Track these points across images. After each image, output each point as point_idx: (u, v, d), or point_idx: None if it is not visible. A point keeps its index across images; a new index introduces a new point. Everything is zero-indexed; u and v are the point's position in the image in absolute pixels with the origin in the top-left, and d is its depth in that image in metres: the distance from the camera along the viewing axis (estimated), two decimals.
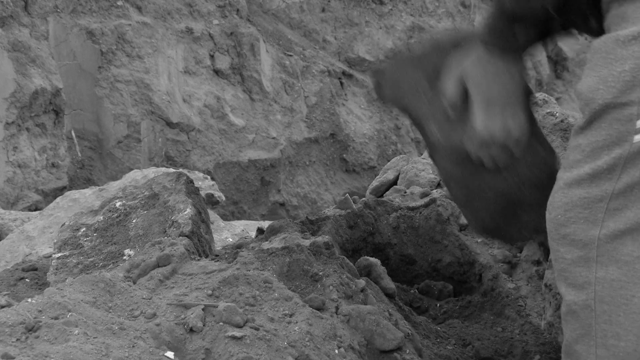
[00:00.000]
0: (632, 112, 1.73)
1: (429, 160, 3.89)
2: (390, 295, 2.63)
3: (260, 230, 3.00)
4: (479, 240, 3.14)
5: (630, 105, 1.73)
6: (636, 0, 1.75)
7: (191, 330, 2.05)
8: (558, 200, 1.79)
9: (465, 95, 2.02)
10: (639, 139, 1.72)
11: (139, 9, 11.79)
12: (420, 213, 3.15)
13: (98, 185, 4.79)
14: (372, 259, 2.71)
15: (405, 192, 3.46)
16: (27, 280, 2.95)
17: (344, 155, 13.04)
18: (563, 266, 1.76)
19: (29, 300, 2.05)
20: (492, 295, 2.96)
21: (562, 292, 1.78)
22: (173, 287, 2.28)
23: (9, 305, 2.21)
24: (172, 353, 1.99)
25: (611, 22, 1.80)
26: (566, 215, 1.77)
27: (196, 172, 5.67)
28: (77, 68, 11.30)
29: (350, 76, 13.32)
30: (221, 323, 2.06)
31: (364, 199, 3.29)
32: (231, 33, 12.34)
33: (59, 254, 2.80)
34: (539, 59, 14.75)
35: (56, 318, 1.98)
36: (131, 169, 8.35)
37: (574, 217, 1.76)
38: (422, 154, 4.23)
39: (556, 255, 1.78)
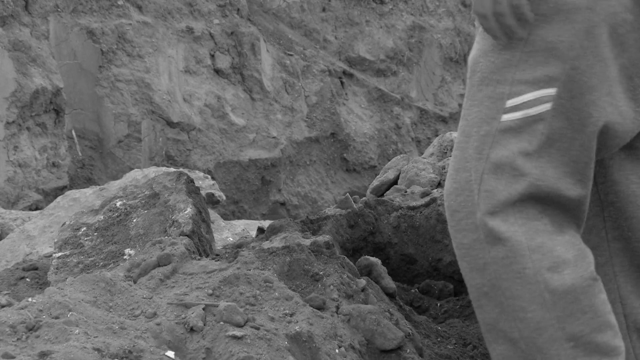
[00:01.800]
0: (503, 90, 1.74)
1: (430, 160, 3.89)
2: (390, 295, 2.63)
3: (260, 230, 3.00)
4: None
5: (502, 84, 1.74)
6: None
7: (192, 330, 2.05)
8: (449, 187, 1.80)
9: None
10: (507, 118, 1.73)
11: (140, 8, 11.79)
12: (421, 212, 3.15)
13: (99, 185, 4.79)
14: (373, 259, 2.71)
15: (406, 192, 3.45)
16: (27, 279, 2.95)
17: (345, 155, 13.03)
18: (463, 252, 1.77)
19: (30, 299, 2.05)
20: None
21: (468, 278, 1.79)
22: (173, 286, 2.28)
23: (9, 304, 2.21)
24: (173, 352, 1.99)
25: None
26: (457, 200, 1.78)
27: (197, 171, 5.67)
28: (78, 67, 11.29)
29: (350, 76, 13.32)
30: (222, 322, 2.06)
31: (364, 198, 3.29)
32: (232, 32, 12.34)
33: (60, 254, 2.80)
34: None
35: (57, 317, 1.98)
36: (132, 169, 8.34)
37: (464, 201, 1.77)
38: (422, 154, 4.23)
39: (456, 243, 1.79)
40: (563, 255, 1.72)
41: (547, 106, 1.73)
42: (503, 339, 1.76)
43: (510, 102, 1.74)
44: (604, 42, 1.71)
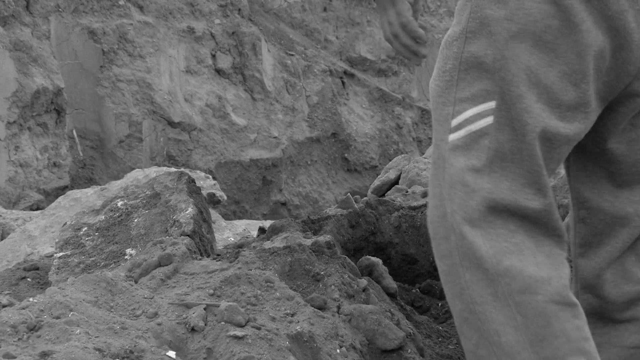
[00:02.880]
0: (448, 111, 1.75)
1: (431, 160, 3.89)
2: (392, 295, 2.63)
3: (261, 230, 3.00)
4: None
5: (447, 105, 1.76)
6: None
7: (193, 330, 2.05)
8: (428, 213, 1.81)
9: None
10: (453, 138, 1.74)
11: (141, 8, 11.80)
12: (422, 212, 3.15)
13: (100, 185, 4.80)
14: (374, 259, 2.71)
15: (407, 192, 3.45)
16: (28, 279, 2.95)
17: (346, 155, 13.04)
18: (445, 278, 1.76)
19: (31, 299, 2.05)
20: None
21: (451, 305, 1.78)
22: (175, 286, 2.28)
23: (10, 304, 2.21)
24: (174, 352, 1.99)
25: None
26: (432, 227, 1.79)
27: (198, 171, 5.67)
28: (79, 67, 11.30)
29: (351, 75, 13.32)
30: (223, 322, 2.06)
31: (365, 198, 3.29)
32: (233, 32, 12.34)
33: (61, 254, 2.80)
34: None
35: (58, 317, 1.98)
36: (133, 169, 8.34)
37: (438, 227, 1.77)
38: (423, 154, 4.23)
39: (441, 270, 1.78)
40: (535, 275, 1.69)
41: (488, 120, 1.73)
42: None
43: (454, 122, 1.74)
44: (527, 50, 1.71)
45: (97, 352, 1.87)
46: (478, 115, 1.73)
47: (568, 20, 1.70)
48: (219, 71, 12.25)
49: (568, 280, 1.73)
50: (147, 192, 2.92)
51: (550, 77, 1.71)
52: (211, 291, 2.21)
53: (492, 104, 1.72)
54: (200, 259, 2.44)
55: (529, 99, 1.71)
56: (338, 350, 2.14)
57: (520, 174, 1.72)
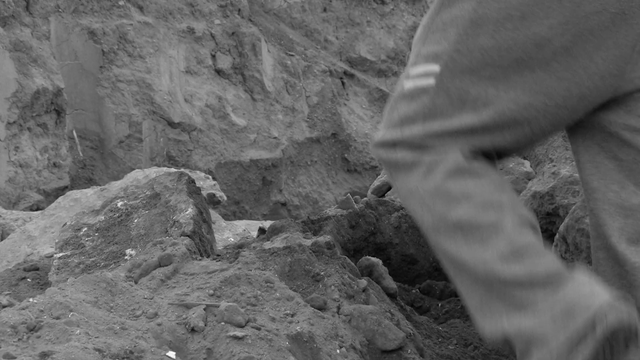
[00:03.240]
0: (412, 61, 1.90)
1: None
2: (391, 295, 2.63)
3: (261, 230, 3.01)
4: None
5: (413, 54, 1.90)
6: None
7: (193, 330, 2.06)
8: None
9: None
10: (407, 86, 1.87)
11: (141, 8, 11.80)
12: None
13: (99, 185, 4.80)
14: (374, 259, 2.71)
15: None
16: (28, 280, 2.95)
17: (346, 155, 13.04)
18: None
19: (31, 300, 2.05)
20: None
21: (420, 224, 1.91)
22: (174, 286, 2.28)
23: (10, 305, 2.21)
24: (174, 353, 1.99)
25: None
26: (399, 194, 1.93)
27: (198, 171, 5.67)
28: (79, 68, 11.30)
29: (351, 76, 13.32)
30: (223, 323, 2.06)
31: (365, 198, 3.29)
32: (233, 33, 12.34)
33: (61, 254, 2.80)
34: None
35: (58, 318, 1.98)
36: (133, 169, 8.34)
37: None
38: None
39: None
40: (433, 159, 1.82)
41: (430, 81, 1.84)
42: (440, 256, 1.87)
43: (412, 72, 1.88)
44: (487, 33, 1.81)
45: (97, 352, 1.87)
46: (424, 74, 1.85)
47: (531, 13, 1.78)
48: (218, 71, 12.26)
49: (471, 153, 1.84)
50: (147, 193, 2.92)
51: (505, 61, 1.80)
52: (211, 291, 2.21)
53: (435, 67, 1.84)
54: (200, 260, 2.44)
55: (479, 75, 1.81)
56: (338, 351, 2.15)
57: (440, 136, 1.84)
